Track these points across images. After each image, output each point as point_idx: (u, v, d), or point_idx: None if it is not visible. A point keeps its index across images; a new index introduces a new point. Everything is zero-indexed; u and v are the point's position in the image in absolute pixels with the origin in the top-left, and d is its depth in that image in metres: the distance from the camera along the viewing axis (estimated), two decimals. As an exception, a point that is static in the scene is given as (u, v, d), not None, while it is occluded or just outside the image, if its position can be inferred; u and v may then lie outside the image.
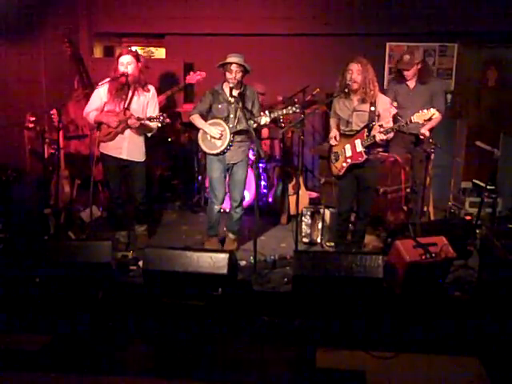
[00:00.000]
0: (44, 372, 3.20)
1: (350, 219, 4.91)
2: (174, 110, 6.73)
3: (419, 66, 5.23)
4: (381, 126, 4.37)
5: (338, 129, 4.68)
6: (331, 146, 4.72)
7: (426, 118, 4.29)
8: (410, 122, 4.35)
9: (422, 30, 6.94)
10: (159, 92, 6.24)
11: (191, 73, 5.99)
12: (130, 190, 5.04)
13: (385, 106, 4.53)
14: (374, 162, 4.63)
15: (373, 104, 4.45)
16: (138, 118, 4.67)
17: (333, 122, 4.77)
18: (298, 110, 4.59)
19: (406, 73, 5.25)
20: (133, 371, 3.27)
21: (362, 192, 4.71)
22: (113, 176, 4.94)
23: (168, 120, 4.71)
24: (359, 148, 4.48)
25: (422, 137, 5.23)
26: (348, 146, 4.55)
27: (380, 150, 4.69)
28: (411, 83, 5.30)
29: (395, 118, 4.65)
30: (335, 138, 4.63)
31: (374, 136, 4.38)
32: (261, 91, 6.20)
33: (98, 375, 3.18)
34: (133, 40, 7.84)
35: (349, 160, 4.55)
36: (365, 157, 4.48)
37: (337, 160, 4.66)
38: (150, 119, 4.68)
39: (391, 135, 4.42)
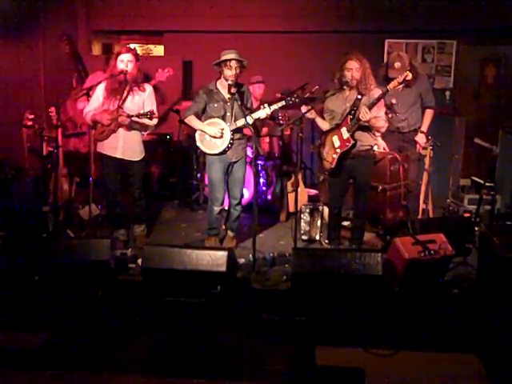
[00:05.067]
0: (43, 370, 3.20)
1: (341, 214, 4.95)
2: (172, 107, 6.73)
3: (408, 69, 5.18)
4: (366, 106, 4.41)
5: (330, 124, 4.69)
6: (320, 143, 4.73)
7: (400, 81, 4.34)
8: (387, 91, 4.39)
9: (421, 26, 6.94)
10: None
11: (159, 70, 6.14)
12: (128, 188, 5.03)
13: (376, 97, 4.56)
14: (367, 157, 4.64)
15: (362, 94, 4.46)
16: (128, 116, 4.65)
17: (322, 123, 4.75)
18: (297, 100, 4.58)
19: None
20: (132, 369, 3.26)
21: (357, 189, 4.74)
22: (110, 174, 4.93)
23: (156, 116, 4.71)
24: (345, 135, 4.50)
25: (418, 139, 5.30)
26: (336, 137, 4.57)
27: (370, 143, 4.69)
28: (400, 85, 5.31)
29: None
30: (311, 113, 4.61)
31: (358, 118, 4.38)
32: (260, 79, 6.20)
33: (97, 373, 3.18)
34: (131, 37, 7.83)
35: (338, 150, 4.56)
36: (352, 141, 4.48)
37: (327, 154, 4.66)
38: (138, 116, 4.64)
39: (375, 113, 4.40)
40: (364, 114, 4.31)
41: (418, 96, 5.20)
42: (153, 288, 3.94)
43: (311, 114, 4.61)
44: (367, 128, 4.52)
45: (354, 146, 4.51)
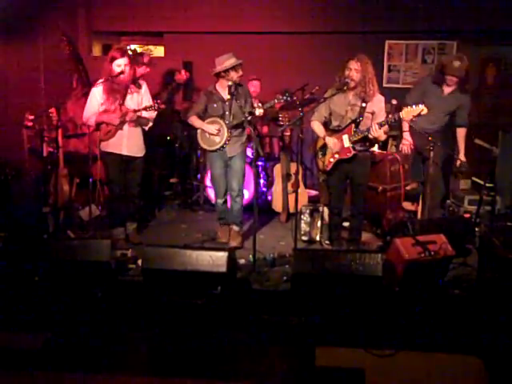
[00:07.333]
0: (44, 371, 3.20)
1: (341, 213, 4.94)
2: (172, 108, 6.74)
3: (464, 74, 4.98)
4: (378, 123, 4.38)
5: (325, 127, 4.67)
6: (317, 141, 4.74)
7: (415, 114, 4.27)
8: (398, 117, 4.33)
9: (421, 27, 6.94)
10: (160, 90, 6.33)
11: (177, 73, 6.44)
12: (128, 184, 5.05)
13: (380, 105, 4.54)
14: (364, 158, 4.64)
15: (365, 101, 4.45)
16: (134, 111, 4.77)
17: (317, 126, 4.68)
18: (288, 98, 4.69)
19: (452, 78, 5.02)
20: (132, 369, 3.27)
21: (354, 189, 4.75)
22: (115, 171, 4.97)
23: (163, 106, 4.92)
24: (347, 143, 4.50)
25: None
26: (336, 141, 4.55)
27: (370, 147, 4.67)
28: (446, 89, 5.14)
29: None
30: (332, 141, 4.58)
31: (364, 131, 4.39)
32: (254, 77, 6.23)
33: (97, 374, 3.18)
34: (132, 38, 7.83)
35: (336, 155, 4.57)
36: (353, 152, 4.50)
37: (324, 155, 4.68)
38: (145, 109, 4.78)
39: (384, 129, 4.38)
40: (374, 132, 4.34)
41: (455, 108, 5.14)
42: (153, 289, 3.94)
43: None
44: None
45: (354, 156, 4.51)
